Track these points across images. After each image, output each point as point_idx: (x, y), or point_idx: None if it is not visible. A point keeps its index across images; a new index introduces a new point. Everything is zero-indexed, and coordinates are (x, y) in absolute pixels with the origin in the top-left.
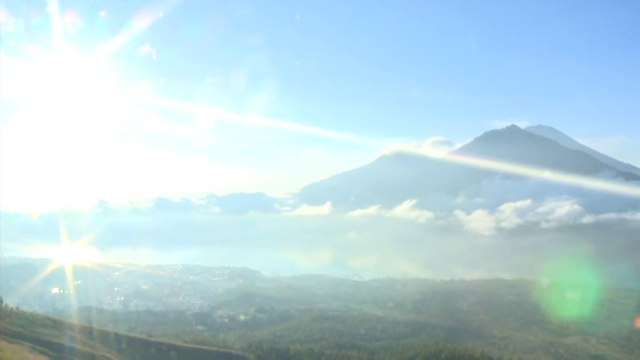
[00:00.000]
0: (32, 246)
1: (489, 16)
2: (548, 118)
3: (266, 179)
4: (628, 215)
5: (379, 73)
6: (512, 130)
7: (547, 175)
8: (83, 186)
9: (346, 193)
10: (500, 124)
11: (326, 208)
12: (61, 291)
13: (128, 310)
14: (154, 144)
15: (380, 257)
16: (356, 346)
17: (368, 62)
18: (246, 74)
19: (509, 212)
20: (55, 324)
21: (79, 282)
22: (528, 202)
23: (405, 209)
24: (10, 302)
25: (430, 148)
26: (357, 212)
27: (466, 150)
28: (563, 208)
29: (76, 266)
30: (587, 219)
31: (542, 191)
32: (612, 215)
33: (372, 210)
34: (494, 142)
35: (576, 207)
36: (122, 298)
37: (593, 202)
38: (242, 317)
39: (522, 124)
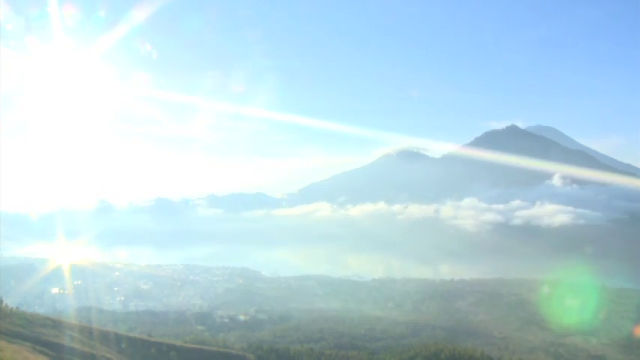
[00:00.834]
0: (32, 246)
1: (489, 16)
2: (548, 118)
3: (266, 179)
4: (627, 215)
5: (379, 73)
6: (512, 130)
7: (547, 175)
8: (83, 186)
9: (346, 193)
10: (500, 124)
11: (326, 208)
12: (61, 291)
13: (128, 310)
14: (154, 144)
15: (380, 257)
16: (356, 346)
17: (368, 62)
18: (247, 74)
19: (509, 212)
20: (55, 324)
21: (79, 282)
22: (528, 202)
23: (405, 209)
24: (10, 302)
25: (430, 148)
26: (358, 212)
27: (466, 150)
28: (562, 208)
29: (75, 266)
30: (587, 219)
31: (542, 191)
32: (612, 215)
33: (372, 210)
34: (494, 142)
35: (576, 207)
36: (122, 298)
37: (593, 201)
38: (242, 317)
39: (522, 124)
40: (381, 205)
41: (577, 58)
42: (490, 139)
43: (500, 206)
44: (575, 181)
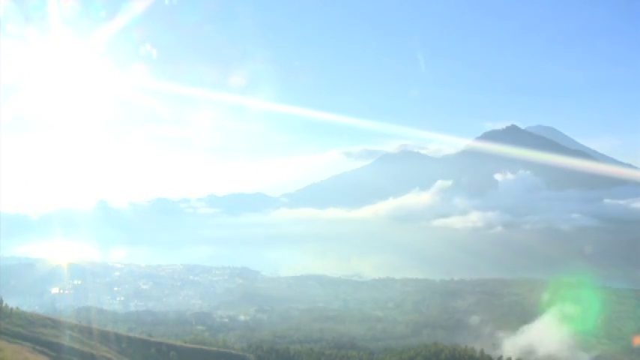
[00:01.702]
0: (32, 246)
1: (489, 15)
2: (548, 118)
3: (266, 179)
4: (627, 216)
5: (379, 73)
6: (512, 130)
7: (547, 175)
8: (83, 185)
9: (346, 193)
10: (500, 124)
11: (326, 208)
12: (61, 291)
13: (128, 310)
14: (154, 143)
15: (380, 257)
16: (356, 346)
17: (368, 62)
18: (248, 74)
19: (509, 212)
20: (55, 324)
21: (79, 282)
22: (528, 202)
23: (405, 209)
24: (10, 302)
25: (430, 148)
26: (358, 212)
27: (466, 150)
28: (562, 209)
29: (75, 266)
30: (587, 219)
31: (542, 191)
32: (612, 216)
33: (373, 210)
34: (494, 142)
35: (576, 207)
36: (122, 298)
37: (593, 202)
38: (242, 317)
39: (522, 124)
40: (381, 205)
41: (577, 58)
42: (490, 139)
43: (500, 206)
44: (574, 181)
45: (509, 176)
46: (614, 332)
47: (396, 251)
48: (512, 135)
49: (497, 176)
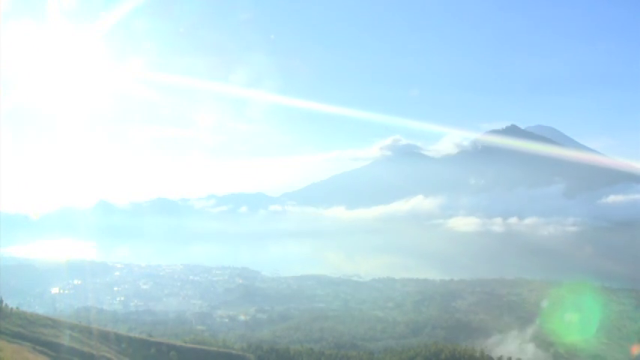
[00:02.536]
0: (32, 246)
1: (488, 15)
2: (548, 118)
3: (266, 179)
4: (627, 216)
5: (379, 72)
6: (513, 130)
7: (546, 175)
8: (83, 185)
9: (346, 193)
10: (500, 124)
11: (326, 208)
12: (61, 291)
13: (128, 310)
14: (154, 143)
15: (380, 257)
16: (356, 346)
17: (368, 62)
18: (248, 74)
19: (509, 212)
20: (55, 324)
21: (79, 282)
22: (528, 202)
23: (405, 209)
24: (10, 302)
25: (430, 148)
26: (358, 212)
27: (466, 150)
28: (562, 209)
29: (75, 266)
30: (587, 219)
31: (542, 191)
32: (612, 216)
33: (372, 210)
34: (494, 142)
35: (576, 207)
36: (122, 298)
37: (593, 202)
38: (242, 317)
39: (522, 124)
40: (381, 205)
41: (577, 57)
42: (490, 139)
43: (500, 206)
44: (574, 181)
45: (509, 176)
46: (614, 332)
47: (396, 251)
48: (512, 135)
49: (497, 176)
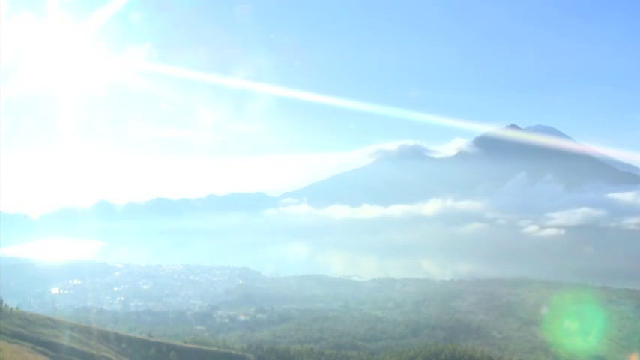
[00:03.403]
0: (32, 246)
1: (488, 15)
2: (549, 118)
3: (266, 179)
4: (628, 215)
5: (379, 73)
6: (512, 130)
7: (546, 175)
8: (82, 185)
9: (347, 193)
10: (500, 124)
11: (326, 208)
12: (61, 291)
13: (128, 310)
14: (154, 143)
15: (380, 257)
16: (356, 346)
17: (368, 63)
18: (248, 74)
19: (508, 212)
20: (55, 324)
21: (79, 282)
22: (527, 202)
23: (405, 209)
24: (10, 302)
25: (430, 148)
26: (357, 212)
27: (466, 150)
28: (562, 208)
29: (75, 266)
30: (588, 219)
31: (542, 191)
32: (613, 215)
33: (373, 210)
34: (494, 142)
35: (576, 206)
36: (122, 298)
37: (594, 201)
38: (242, 317)
39: (522, 124)
40: (381, 206)
41: (578, 57)
42: (490, 139)
43: (500, 206)
44: (574, 181)
45: (509, 176)
46: (614, 332)
47: (396, 251)
48: (512, 135)
49: (497, 176)
